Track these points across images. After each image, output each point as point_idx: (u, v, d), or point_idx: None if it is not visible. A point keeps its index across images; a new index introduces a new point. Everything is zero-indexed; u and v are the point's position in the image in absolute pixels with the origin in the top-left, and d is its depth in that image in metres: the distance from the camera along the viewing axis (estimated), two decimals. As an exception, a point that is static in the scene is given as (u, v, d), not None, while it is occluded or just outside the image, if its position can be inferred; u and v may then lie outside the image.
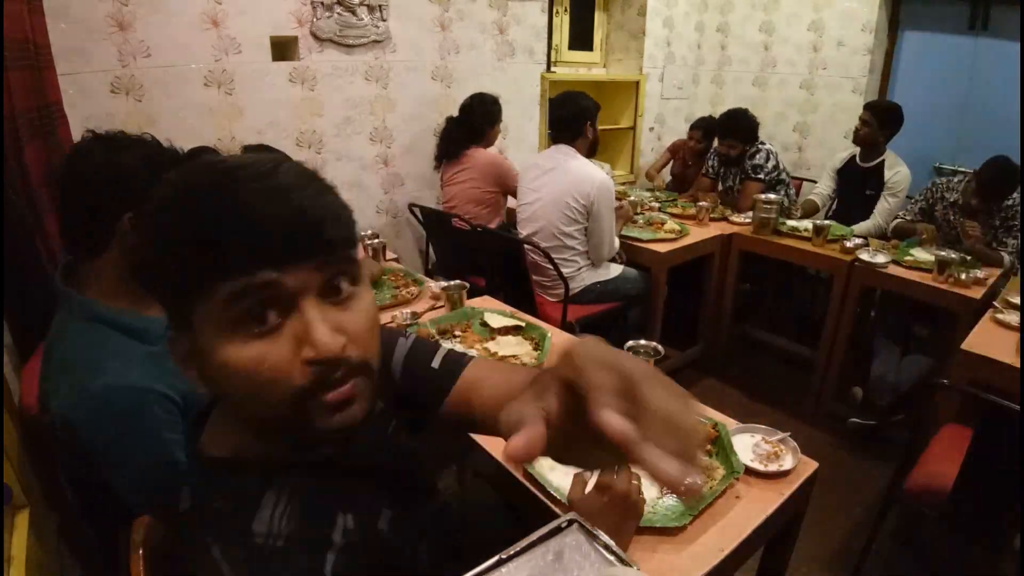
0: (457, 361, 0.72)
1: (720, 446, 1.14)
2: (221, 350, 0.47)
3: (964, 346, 1.71)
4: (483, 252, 2.46)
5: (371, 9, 2.47)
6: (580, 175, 2.20)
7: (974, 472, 1.40)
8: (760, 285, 3.24)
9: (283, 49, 2.31)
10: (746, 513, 1.01)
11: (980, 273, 2.13)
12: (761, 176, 2.92)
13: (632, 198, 2.81)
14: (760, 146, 2.96)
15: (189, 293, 0.47)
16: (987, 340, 1.74)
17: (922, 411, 1.95)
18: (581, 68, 3.67)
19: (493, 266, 2.45)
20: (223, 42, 2.14)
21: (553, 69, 3.31)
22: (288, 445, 0.54)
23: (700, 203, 2.75)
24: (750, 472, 1.09)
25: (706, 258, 2.65)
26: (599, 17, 3.68)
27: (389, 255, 2.24)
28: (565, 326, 2.18)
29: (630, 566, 0.40)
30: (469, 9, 2.81)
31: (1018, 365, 1.61)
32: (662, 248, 2.42)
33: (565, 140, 2.28)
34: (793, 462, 1.11)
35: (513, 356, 1.44)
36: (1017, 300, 1.93)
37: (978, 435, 1.43)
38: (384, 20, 2.52)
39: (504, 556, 0.43)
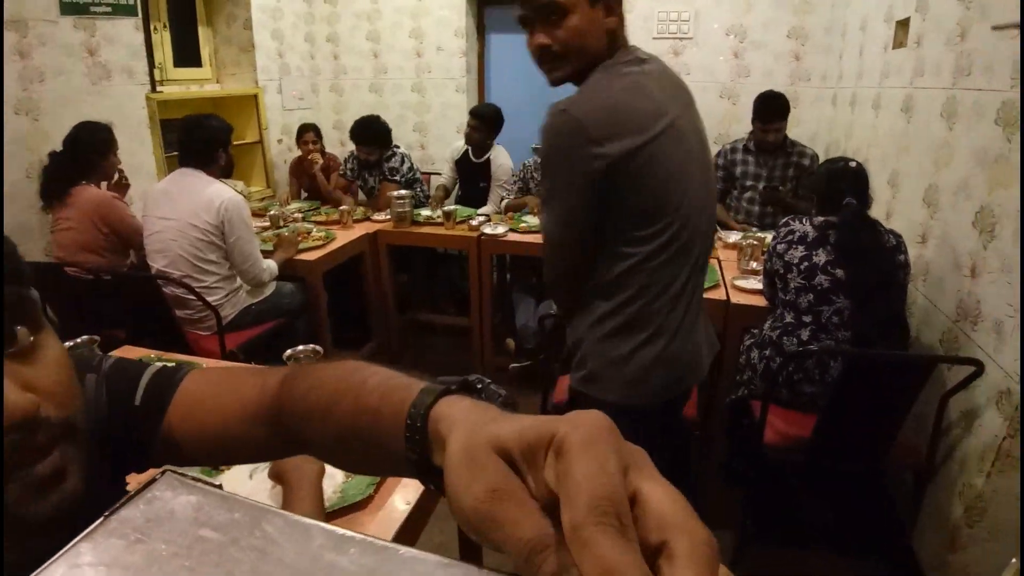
0: (167, 383, 0.69)
1: None
2: None
3: None
4: (113, 300, 2.64)
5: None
6: (208, 196, 2.53)
7: None
8: (414, 273, 4.29)
9: None
10: None
11: None
12: (398, 178, 3.95)
13: (272, 212, 3.54)
14: (395, 150, 3.99)
15: None
16: None
17: (551, 341, 3.14)
18: (193, 85, 4.23)
19: (129, 313, 2.65)
20: None
21: (160, 89, 3.82)
22: None
23: (341, 207, 3.64)
24: None
25: (358, 258, 3.52)
26: (204, 32, 4.28)
27: None
28: (227, 356, 2.55)
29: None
30: (51, 32, 3.11)
31: None
32: (312, 256, 3.09)
33: (194, 164, 2.62)
34: None
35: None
36: None
37: None
38: (-59, 53, 2.72)
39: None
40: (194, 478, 0.39)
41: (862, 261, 1.98)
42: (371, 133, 3.86)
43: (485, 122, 3.88)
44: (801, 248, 2.10)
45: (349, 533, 0.34)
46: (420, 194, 4.01)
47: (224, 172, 2.74)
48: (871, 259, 1.98)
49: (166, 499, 0.38)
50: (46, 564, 0.35)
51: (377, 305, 3.67)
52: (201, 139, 2.61)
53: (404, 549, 0.33)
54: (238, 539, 0.35)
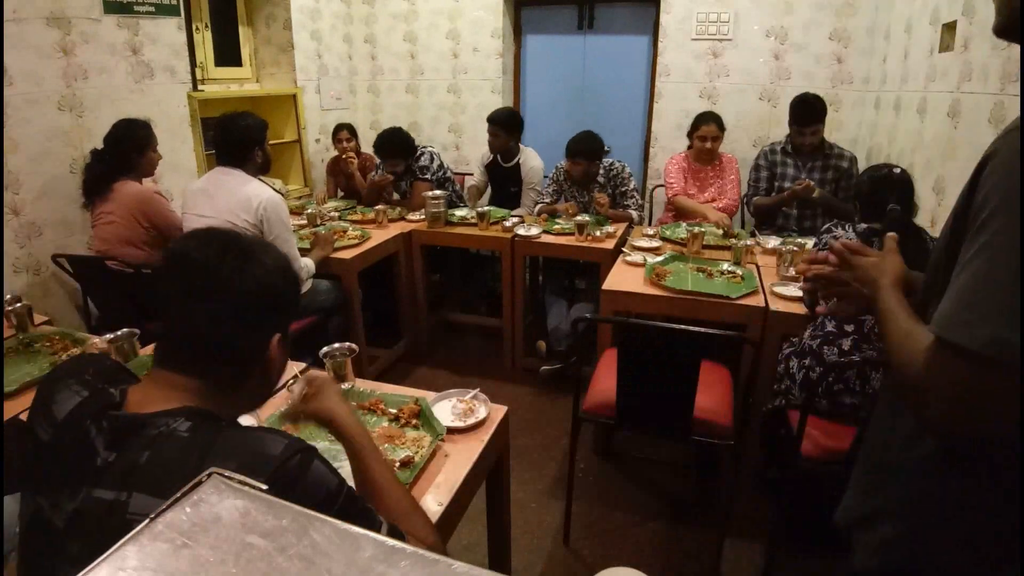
0: None
1: (424, 418, 1.55)
2: None
3: (605, 286, 2.70)
4: (155, 294, 2.80)
5: (-28, 39, 2.73)
6: (246, 194, 2.55)
7: (624, 378, 2.07)
8: (447, 273, 4.29)
9: None
10: (454, 466, 1.40)
11: (610, 228, 3.41)
12: (428, 176, 3.93)
13: (310, 211, 3.57)
14: (423, 149, 3.99)
15: None
16: (621, 278, 2.73)
17: (584, 345, 3.13)
18: (232, 84, 4.29)
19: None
20: None
21: (201, 88, 3.88)
22: None
23: (377, 207, 3.66)
24: (453, 431, 1.51)
25: (393, 258, 3.53)
26: (244, 32, 4.35)
27: (38, 319, 2.33)
28: None
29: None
30: (94, 31, 3.19)
31: (646, 291, 2.61)
32: (347, 255, 3.12)
33: (231, 163, 2.64)
34: (486, 412, 1.58)
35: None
36: (640, 243, 3.21)
37: (621, 350, 2.05)
38: (-11, 50, 2.78)
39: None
40: (241, 481, 0.39)
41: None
42: (393, 145, 3.82)
43: (502, 126, 3.86)
44: (843, 255, 2.04)
45: (400, 545, 0.33)
46: (452, 194, 4.01)
47: (261, 169, 2.75)
48: (916, 268, 1.93)
49: (212, 503, 0.38)
50: (91, 566, 0.34)
51: (409, 304, 3.68)
52: (237, 137, 2.62)
53: (457, 564, 0.32)
54: (286, 548, 0.34)
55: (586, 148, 3.58)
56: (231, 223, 2.53)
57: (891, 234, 1.09)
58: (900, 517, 0.94)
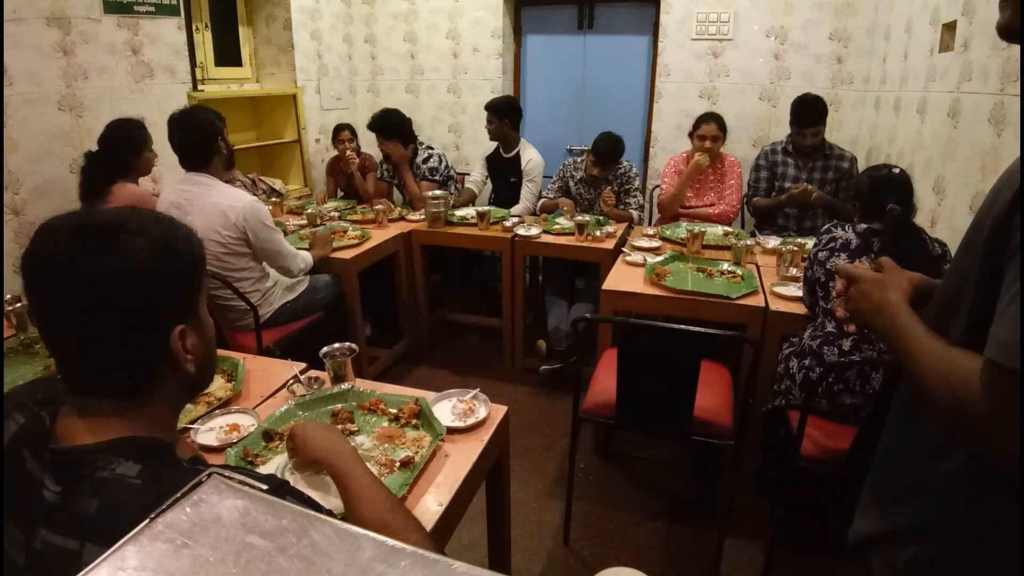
0: None
1: (423, 418, 1.54)
2: None
3: (604, 286, 2.70)
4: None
5: (-28, 39, 2.73)
6: (220, 208, 2.46)
7: (624, 378, 2.08)
8: (447, 273, 4.29)
9: None
10: (454, 466, 1.40)
11: (610, 228, 3.41)
12: (437, 178, 3.98)
13: (310, 211, 3.57)
14: (431, 151, 4.01)
15: None
16: (621, 278, 2.74)
17: (584, 345, 3.13)
18: (232, 84, 4.29)
19: None
20: None
21: (201, 88, 3.88)
22: None
23: (377, 206, 3.66)
24: (453, 431, 1.51)
25: (393, 258, 3.53)
26: (244, 32, 4.34)
27: None
28: (263, 351, 2.59)
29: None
30: (94, 31, 3.19)
31: (646, 291, 2.61)
32: (347, 255, 3.12)
33: (197, 167, 2.53)
34: (486, 412, 1.58)
35: (207, 392, 1.69)
36: (640, 243, 3.22)
37: (621, 350, 2.06)
38: (-10, 50, 2.79)
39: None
40: (241, 481, 0.39)
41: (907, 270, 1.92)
42: (389, 124, 3.84)
43: (497, 113, 3.89)
44: (843, 255, 2.05)
45: (400, 545, 0.33)
46: (454, 194, 4.02)
47: (227, 162, 2.66)
48: (916, 268, 1.92)
49: (212, 503, 0.38)
50: (90, 567, 0.34)
51: (409, 304, 3.68)
52: (197, 135, 2.52)
53: (457, 564, 0.32)
54: (286, 548, 0.34)
55: (615, 153, 3.60)
56: (212, 240, 2.48)
57: (884, 259, 1.08)
58: (932, 537, 0.90)
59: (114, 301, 0.78)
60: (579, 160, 3.88)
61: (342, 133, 4.22)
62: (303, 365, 1.86)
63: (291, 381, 1.75)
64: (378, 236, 3.41)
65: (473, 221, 3.58)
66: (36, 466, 0.78)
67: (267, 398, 1.73)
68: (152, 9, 3.42)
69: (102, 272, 0.77)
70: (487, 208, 3.61)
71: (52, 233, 0.79)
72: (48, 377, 0.97)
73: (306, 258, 2.84)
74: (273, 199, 4.06)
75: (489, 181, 4.24)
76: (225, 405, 1.66)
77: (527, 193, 3.97)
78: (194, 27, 3.87)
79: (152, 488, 0.73)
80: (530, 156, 3.98)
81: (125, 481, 0.75)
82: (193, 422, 1.55)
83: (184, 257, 0.85)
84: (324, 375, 1.76)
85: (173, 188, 2.64)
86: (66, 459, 0.78)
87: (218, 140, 2.54)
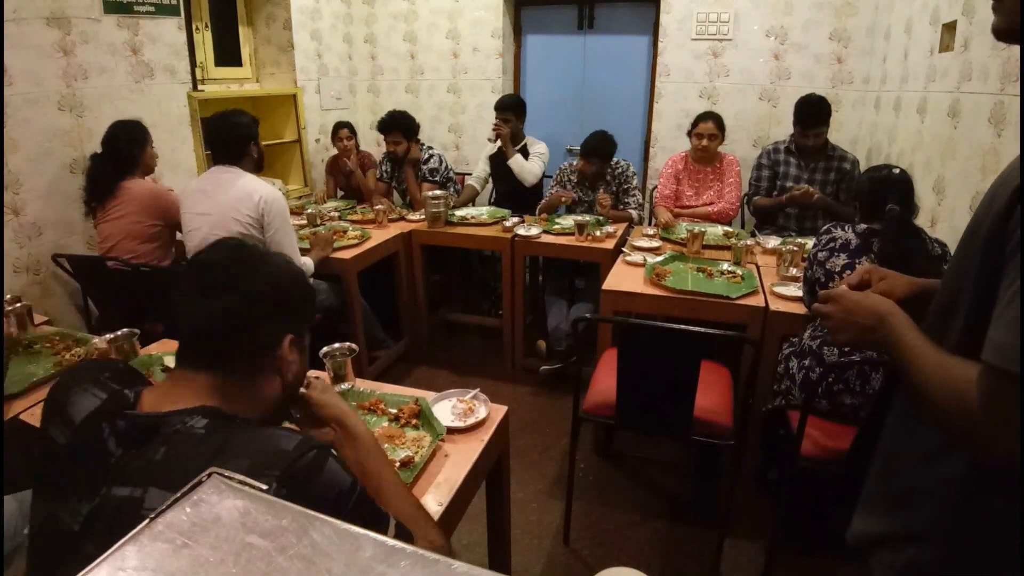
0: None
1: (424, 418, 1.56)
2: None
3: (604, 286, 2.71)
4: (155, 294, 2.68)
5: (-28, 40, 2.73)
6: (245, 190, 2.54)
7: (624, 378, 2.08)
8: (447, 273, 4.29)
9: None
10: (454, 466, 1.41)
11: (610, 228, 3.40)
12: (438, 179, 3.99)
13: (310, 210, 3.57)
14: (432, 152, 4.02)
15: None
16: (621, 278, 2.74)
17: (584, 345, 3.12)
18: (232, 84, 4.29)
19: (169, 306, 2.78)
20: None
21: (201, 88, 3.88)
22: None
23: (378, 206, 3.66)
24: (453, 431, 1.52)
25: (393, 258, 3.53)
26: (244, 32, 4.34)
27: (38, 319, 2.34)
28: None
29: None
30: (94, 30, 3.19)
31: (646, 291, 2.61)
32: (347, 255, 3.12)
33: (227, 161, 2.62)
34: (486, 412, 1.59)
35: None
36: (640, 243, 3.22)
37: (621, 350, 2.06)
38: (-10, 51, 2.79)
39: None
40: (240, 481, 0.39)
41: (906, 270, 1.91)
42: (396, 122, 3.87)
43: (514, 111, 3.91)
44: (843, 256, 2.05)
45: (400, 545, 0.33)
46: (454, 195, 4.02)
47: (257, 165, 2.74)
48: (916, 268, 1.92)
49: (212, 503, 0.38)
50: (91, 566, 0.35)
51: (409, 304, 3.68)
52: (232, 134, 2.61)
53: (457, 564, 0.32)
54: (286, 548, 0.34)
55: (602, 149, 3.60)
56: (232, 217, 2.53)
57: (873, 269, 1.10)
58: (930, 540, 0.90)
59: (253, 299, 0.96)
60: (575, 163, 3.88)
61: (341, 131, 4.23)
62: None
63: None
64: (378, 236, 3.41)
65: (473, 221, 3.58)
66: (110, 436, 0.86)
67: (267, 398, 1.72)
68: (152, 9, 3.42)
69: (254, 278, 0.97)
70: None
71: (219, 247, 1.02)
72: (103, 360, 1.09)
73: (308, 264, 2.86)
74: (273, 199, 4.06)
75: (491, 181, 4.24)
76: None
77: (533, 165, 3.97)
78: (194, 27, 3.88)
79: (214, 438, 0.83)
80: (536, 146, 4.02)
81: (192, 431, 0.84)
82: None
83: (304, 284, 1.07)
84: (324, 375, 1.76)
85: (201, 177, 2.74)
86: (141, 422, 0.87)
87: (251, 143, 2.64)
